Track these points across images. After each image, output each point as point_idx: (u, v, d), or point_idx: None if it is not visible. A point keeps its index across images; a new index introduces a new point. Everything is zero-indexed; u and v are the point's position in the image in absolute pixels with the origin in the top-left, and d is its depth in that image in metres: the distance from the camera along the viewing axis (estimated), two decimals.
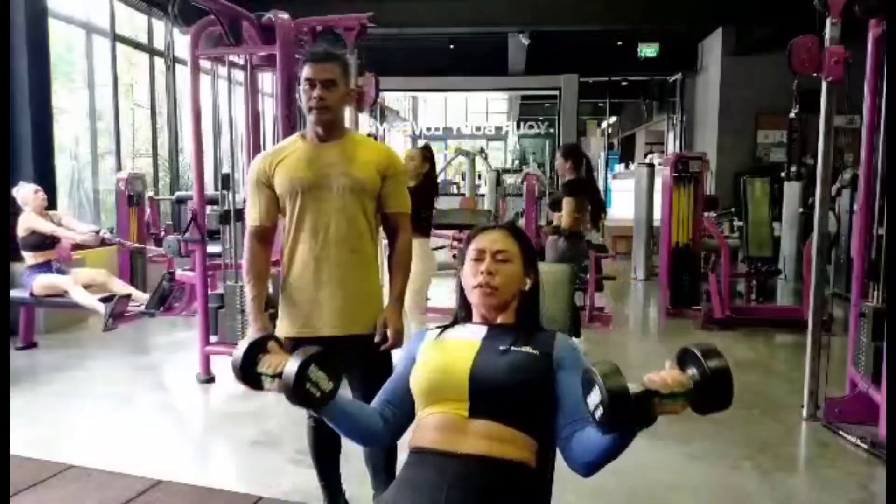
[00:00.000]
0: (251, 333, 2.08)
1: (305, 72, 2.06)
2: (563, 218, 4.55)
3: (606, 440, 1.22)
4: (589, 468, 1.32)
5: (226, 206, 4.28)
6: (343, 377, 1.36)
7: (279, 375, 1.32)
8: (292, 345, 2.14)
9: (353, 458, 2.39)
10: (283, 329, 2.13)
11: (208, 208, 4.45)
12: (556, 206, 4.89)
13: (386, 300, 2.20)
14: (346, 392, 2.16)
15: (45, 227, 4.79)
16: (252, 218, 2.16)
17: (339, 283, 2.08)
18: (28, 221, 4.76)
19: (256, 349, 1.38)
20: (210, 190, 4.72)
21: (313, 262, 2.08)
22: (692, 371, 1.11)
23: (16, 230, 4.77)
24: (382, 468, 2.24)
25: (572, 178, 4.65)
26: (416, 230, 4.06)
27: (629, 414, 1.09)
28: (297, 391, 1.28)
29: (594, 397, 1.11)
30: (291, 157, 2.11)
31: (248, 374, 1.37)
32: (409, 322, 4.03)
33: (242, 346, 1.38)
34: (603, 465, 1.29)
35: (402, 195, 2.19)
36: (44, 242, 4.83)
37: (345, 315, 2.09)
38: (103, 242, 5.25)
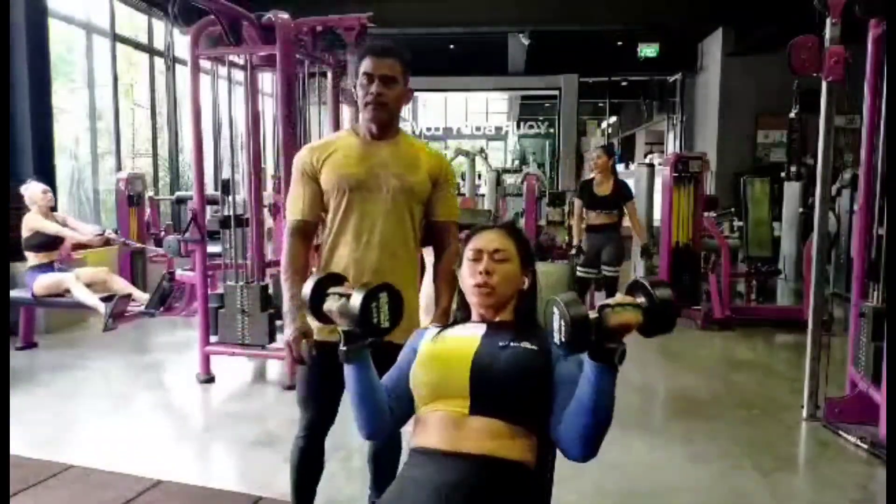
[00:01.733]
0: (288, 334, 1.94)
1: (364, 65, 1.94)
2: (636, 215, 5.30)
3: (586, 392, 1.26)
4: (583, 443, 1.30)
5: (226, 210, 4.27)
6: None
7: (348, 297, 1.40)
8: (322, 348, 1.99)
9: (354, 456, 2.38)
10: (315, 330, 2.02)
11: (208, 209, 4.45)
12: (603, 205, 5.26)
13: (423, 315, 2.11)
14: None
15: (51, 227, 4.78)
16: (293, 211, 2.00)
17: None
18: (33, 221, 4.76)
19: (328, 282, 1.49)
20: (210, 190, 4.72)
21: (353, 264, 1.98)
22: (641, 298, 1.27)
23: (19, 230, 4.76)
24: (388, 468, 2.18)
25: (622, 180, 5.27)
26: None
27: (588, 328, 1.20)
28: (364, 306, 1.34)
29: (556, 319, 1.22)
30: (340, 153, 2.00)
31: (317, 297, 1.47)
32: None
33: (314, 277, 1.51)
34: (595, 438, 1.29)
35: (451, 202, 2.10)
36: (47, 243, 4.83)
37: None
38: (108, 242, 5.27)
